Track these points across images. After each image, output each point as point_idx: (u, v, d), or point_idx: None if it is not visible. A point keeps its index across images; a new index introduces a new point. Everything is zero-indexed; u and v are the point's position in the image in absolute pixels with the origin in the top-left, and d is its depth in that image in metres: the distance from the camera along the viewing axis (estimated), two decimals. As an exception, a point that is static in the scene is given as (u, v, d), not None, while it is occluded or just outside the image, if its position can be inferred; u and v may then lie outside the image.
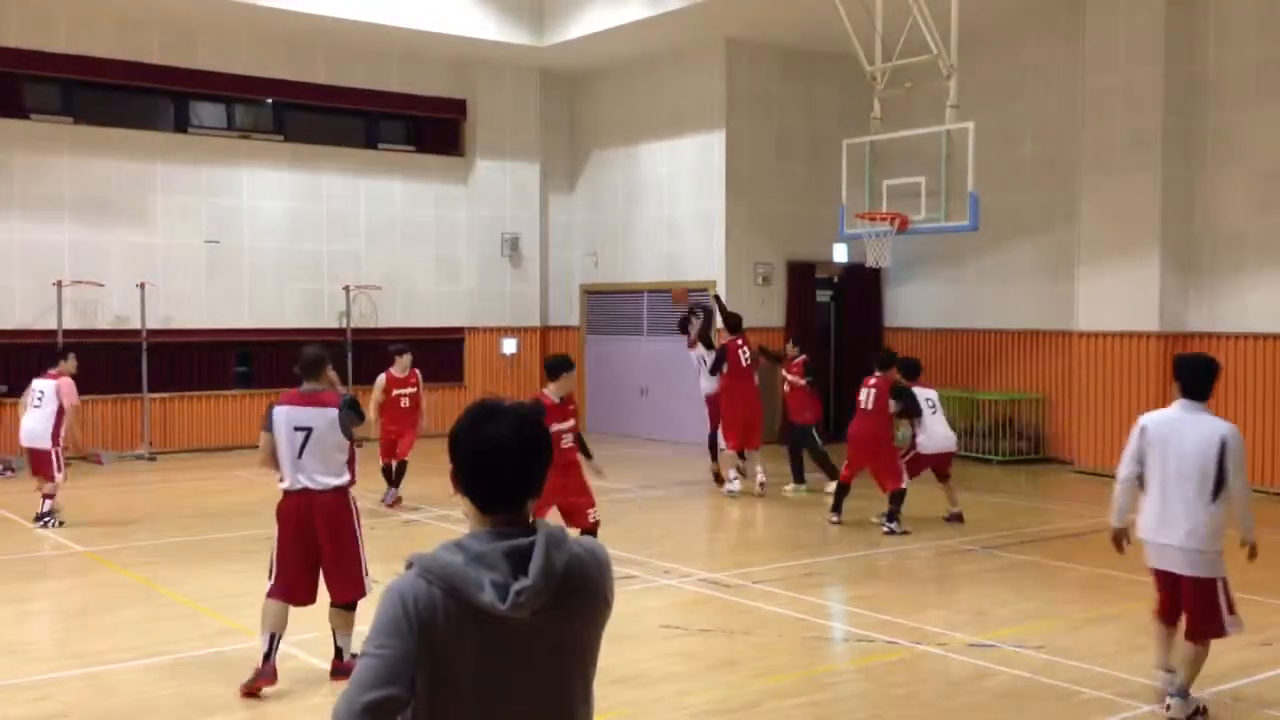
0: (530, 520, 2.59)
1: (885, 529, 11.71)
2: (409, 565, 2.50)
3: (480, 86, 20.48)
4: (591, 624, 2.62)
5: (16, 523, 12.36)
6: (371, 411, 12.77)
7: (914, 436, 12.40)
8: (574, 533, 3.70)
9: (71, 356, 12.52)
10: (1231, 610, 6.42)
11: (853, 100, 18.39)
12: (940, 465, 12.34)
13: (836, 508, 12.28)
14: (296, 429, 6.94)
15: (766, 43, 18.82)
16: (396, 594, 2.46)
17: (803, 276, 19.51)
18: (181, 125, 18.60)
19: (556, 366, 9.24)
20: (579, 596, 2.56)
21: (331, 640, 7.23)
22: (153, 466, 16.97)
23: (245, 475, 15.86)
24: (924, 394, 12.26)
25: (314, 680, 7.15)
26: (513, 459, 2.55)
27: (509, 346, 20.82)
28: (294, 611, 7.07)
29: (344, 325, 19.40)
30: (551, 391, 9.17)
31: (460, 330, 20.69)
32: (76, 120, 17.66)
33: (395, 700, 2.41)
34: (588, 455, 9.56)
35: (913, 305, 19.75)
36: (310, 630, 7.97)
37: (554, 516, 8.85)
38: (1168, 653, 6.60)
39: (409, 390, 13.41)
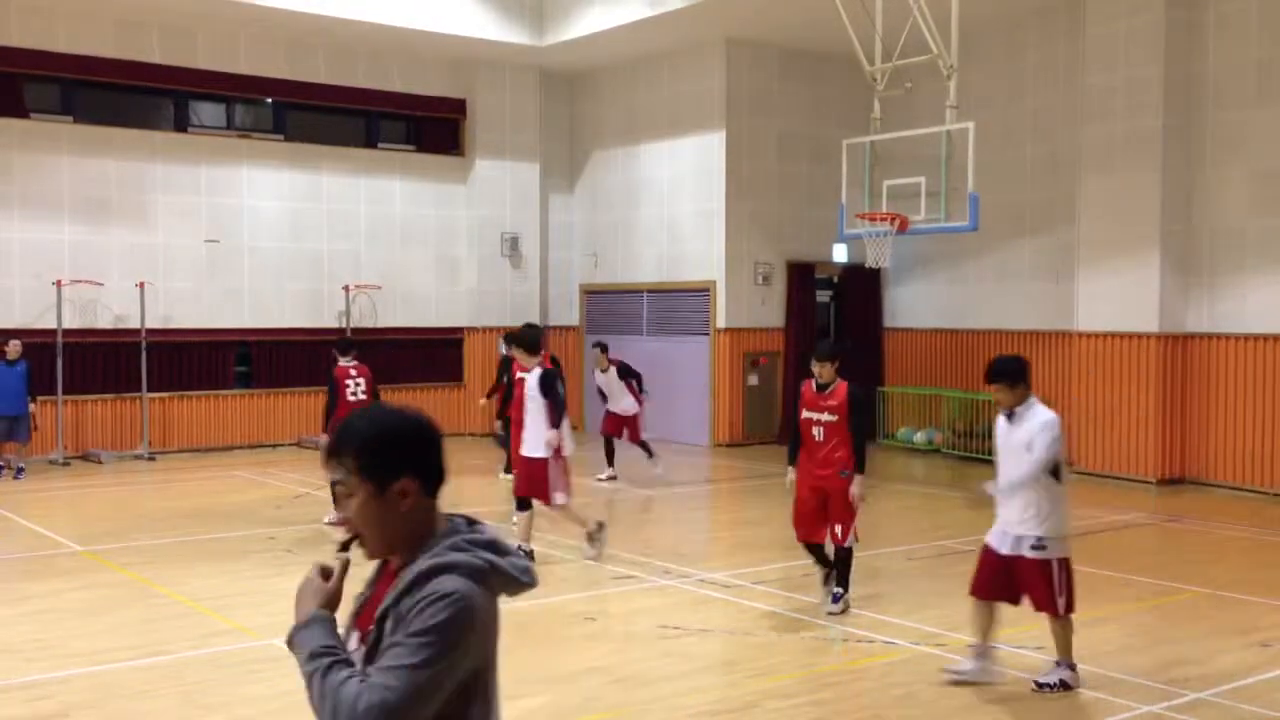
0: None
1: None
2: (444, 570, 2.43)
3: (480, 86, 20.48)
4: None
5: (17, 522, 12.39)
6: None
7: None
8: None
9: None
10: None
11: (853, 100, 18.39)
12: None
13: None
14: None
15: (766, 43, 18.82)
16: (466, 608, 2.40)
17: (803, 276, 19.52)
18: (181, 125, 18.60)
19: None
20: None
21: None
22: (152, 466, 16.97)
23: (245, 475, 15.87)
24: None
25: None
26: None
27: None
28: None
29: (344, 325, 19.40)
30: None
31: (460, 330, 20.68)
32: (76, 120, 17.65)
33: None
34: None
35: (913, 305, 19.75)
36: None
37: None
38: None
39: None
